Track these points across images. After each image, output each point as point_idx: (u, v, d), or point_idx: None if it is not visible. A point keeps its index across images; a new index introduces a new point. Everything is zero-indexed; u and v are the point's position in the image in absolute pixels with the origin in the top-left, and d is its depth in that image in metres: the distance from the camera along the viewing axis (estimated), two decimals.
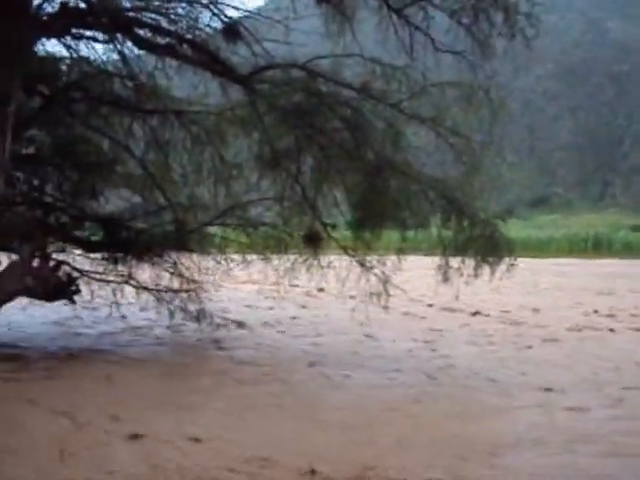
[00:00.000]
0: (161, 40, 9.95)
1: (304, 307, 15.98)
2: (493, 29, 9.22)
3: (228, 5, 10.54)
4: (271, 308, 15.15)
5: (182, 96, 12.10)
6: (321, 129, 9.41)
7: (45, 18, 9.64)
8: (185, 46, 9.96)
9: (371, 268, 9.74)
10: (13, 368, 8.54)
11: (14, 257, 10.31)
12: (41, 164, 11.20)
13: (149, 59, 11.54)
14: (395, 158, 9.36)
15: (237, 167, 11.89)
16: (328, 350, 10.66)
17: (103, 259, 11.08)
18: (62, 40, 10.33)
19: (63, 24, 9.57)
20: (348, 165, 9.42)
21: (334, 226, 10.15)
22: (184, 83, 12.10)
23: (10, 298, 9.27)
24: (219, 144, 11.80)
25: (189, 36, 9.96)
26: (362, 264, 9.80)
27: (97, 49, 11.18)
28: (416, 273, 16.89)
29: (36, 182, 11.23)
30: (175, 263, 10.99)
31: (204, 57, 9.93)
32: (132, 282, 10.63)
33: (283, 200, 10.21)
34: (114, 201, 12.08)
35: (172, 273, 10.76)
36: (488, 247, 9.75)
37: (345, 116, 9.37)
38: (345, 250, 9.98)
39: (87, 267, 11.01)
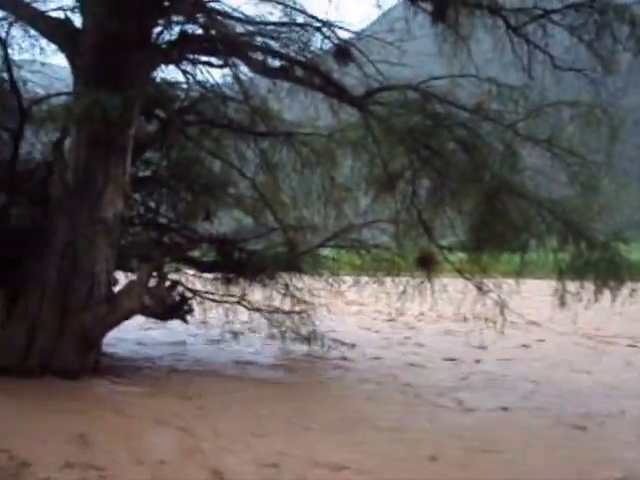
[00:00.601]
0: (274, 63, 10.03)
1: (414, 329, 15.71)
2: (617, 44, 8.91)
3: (340, 27, 10.58)
4: (381, 330, 14.98)
5: (292, 118, 12.26)
6: (437, 151, 9.28)
7: (164, 46, 9.87)
8: (298, 68, 9.98)
9: (487, 292, 9.54)
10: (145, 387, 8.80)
11: (131, 276, 10.61)
12: (156, 186, 11.47)
13: (261, 82, 11.76)
14: (512, 180, 9.14)
15: (347, 189, 11.94)
16: (441, 374, 10.45)
17: (215, 279, 11.28)
18: (179, 66, 10.59)
19: (181, 51, 9.80)
20: (465, 187, 9.27)
21: (450, 249, 9.99)
22: (294, 106, 12.24)
23: (128, 316, 9.47)
24: (329, 166, 11.87)
25: (302, 58, 9.98)
26: (479, 287, 9.61)
27: (211, 73, 11.54)
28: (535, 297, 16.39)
29: (152, 204, 11.52)
30: (287, 284, 11.05)
31: (317, 79, 9.94)
32: (244, 303, 10.74)
33: (398, 222, 10.08)
34: (226, 222, 12.27)
35: (284, 294, 10.81)
36: (608, 271, 9.36)
37: (461, 137, 9.21)
38: (461, 273, 9.81)
39: (199, 287, 11.26)
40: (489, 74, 9.59)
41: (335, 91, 9.83)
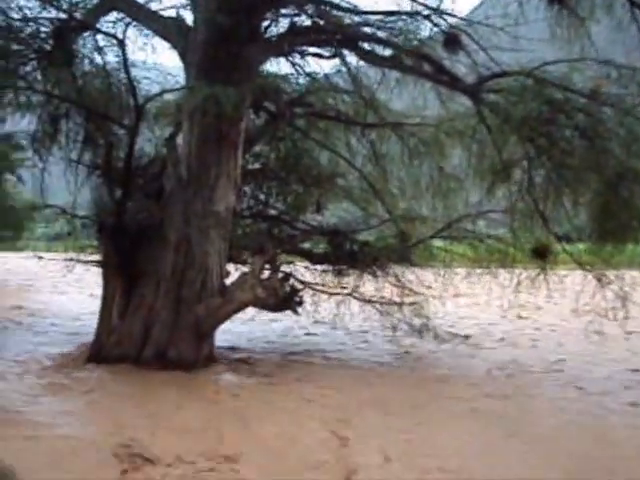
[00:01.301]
0: (385, 52, 9.89)
1: (531, 322, 15.21)
2: None
3: (449, 14, 10.33)
4: (496, 323, 14.61)
5: (400, 109, 12.10)
6: (554, 138, 8.94)
7: (274, 39, 9.89)
8: (408, 57, 9.80)
9: (608, 283, 9.14)
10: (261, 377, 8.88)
11: (242, 269, 10.72)
12: (266, 178, 11.54)
13: (368, 74, 11.64)
14: (637, 166, 8.69)
15: (456, 179, 11.72)
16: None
17: (325, 271, 11.28)
18: (288, 58, 10.60)
19: (290, 43, 9.79)
20: (585, 175, 8.89)
21: (569, 239, 9.62)
22: (402, 96, 12.08)
23: (241, 308, 9.57)
24: (438, 156, 11.67)
25: (413, 47, 9.80)
26: (599, 279, 9.23)
27: (320, 65, 11.52)
28: None
29: (262, 196, 11.60)
30: (397, 276, 10.93)
31: (428, 67, 9.75)
32: (356, 295, 10.69)
33: (513, 212, 9.79)
34: (335, 214, 12.24)
35: (396, 286, 10.69)
36: None
37: (580, 124, 8.84)
38: (580, 264, 9.45)
39: (309, 279, 11.27)
40: (608, 57, 9.11)
41: (447, 79, 9.62)
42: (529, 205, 9.58)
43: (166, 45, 10.36)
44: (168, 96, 11.64)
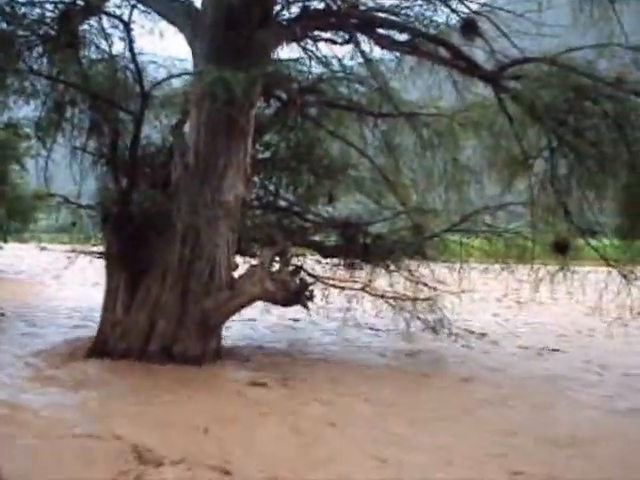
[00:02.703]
0: (402, 38, 9.51)
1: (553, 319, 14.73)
2: None
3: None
4: (514, 318, 14.13)
5: (413, 99, 11.74)
6: (580, 128, 8.55)
7: (285, 23, 9.52)
8: (425, 42, 9.42)
9: (635, 280, 8.75)
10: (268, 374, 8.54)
11: (250, 261, 10.39)
12: (276, 168, 11.18)
13: (382, 61, 11.27)
14: None
15: (470, 171, 11.38)
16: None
17: (336, 265, 10.93)
18: (300, 44, 10.23)
19: (303, 27, 9.42)
20: (612, 166, 8.49)
21: (594, 233, 9.20)
22: (414, 86, 11.72)
23: (250, 302, 9.23)
24: (452, 147, 11.31)
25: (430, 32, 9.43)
26: (624, 276, 8.84)
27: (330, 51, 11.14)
28: None
29: (271, 186, 11.25)
30: (410, 270, 10.57)
31: (446, 53, 9.36)
32: (368, 289, 10.33)
33: (533, 205, 9.39)
34: (346, 206, 11.88)
35: (410, 280, 10.33)
36: None
37: (609, 112, 8.42)
38: (606, 260, 9.05)
39: (319, 272, 10.93)
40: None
41: (465, 65, 9.22)
42: (551, 198, 9.17)
43: (172, 30, 10.06)
44: (175, 83, 11.35)
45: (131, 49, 9.14)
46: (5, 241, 21.99)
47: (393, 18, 9.61)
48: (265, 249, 9.02)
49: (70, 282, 17.66)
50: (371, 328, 11.83)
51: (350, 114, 11.79)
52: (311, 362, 9.47)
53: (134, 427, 6.13)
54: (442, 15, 10.13)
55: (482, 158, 11.12)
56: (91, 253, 10.27)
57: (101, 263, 9.71)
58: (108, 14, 9.61)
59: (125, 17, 9.52)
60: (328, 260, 11.05)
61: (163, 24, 10.37)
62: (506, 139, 10.02)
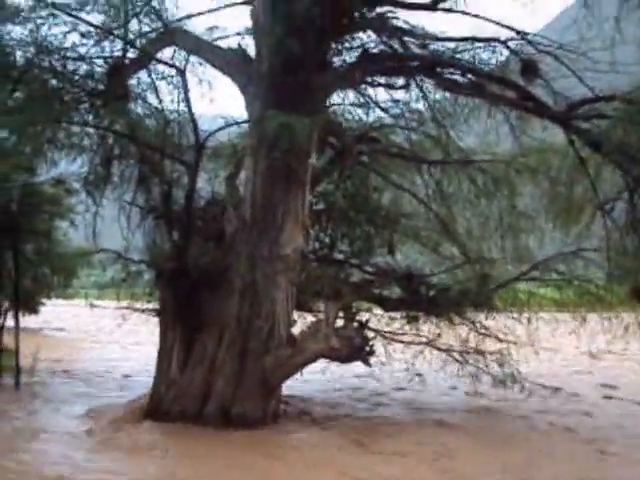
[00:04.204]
0: (465, 80, 9.14)
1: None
2: None
3: (528, 41, 9.57)
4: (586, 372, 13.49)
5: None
6: None
7: (344, 69, 9.21)
8: (491, 84, 9.03)
9: None
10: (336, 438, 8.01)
11: (307, 316, 9.97)
12: (332, 219, 10.79)
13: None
14: None
15: (528, 217, 10.96)
16: None
17: (393, 318, 10.46)
18: (358, 89, 9.93)
19: (363, 71, 9.09)
20: None
21: None
22: (470, 133, 11.42)
23: (313, 360, 8.74)
24: (509, 194, 10.91)
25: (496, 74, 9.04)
26: None
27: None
28: None
29: (327, 238, 10.84)
30: (474, 322, 10.04)
31: (513, 94, 8.95)
32: (434, 344, 9.81)
33: (610, 250, 8.86)
34: (404, 256, 11.42)
35: (479, 333, 9.79)
36: None
37: None
38: None
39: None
40: None
41: (533, 106, 8.79)
42: (627, 242, 8.64)
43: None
44: (224, 136, 11.12)
45: (186, 98, 8.91)
46: (49, 298, 21.89)
47: (456, 59, 9.24)
48: (329, 303, 8.54)
49: (121, 340, 17.35)
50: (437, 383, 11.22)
51: (402, 162, 11.45)
52: (379, 421, 8.95)
53: None
54: (502, 56, 9.84)
55: (543, 203, 10.72)
56: (143, 310, 9.91)
57: (154, 321, 9.36)
58: (165, 62, 9.37)
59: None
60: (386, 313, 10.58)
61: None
62: (573, 183, 9.63)
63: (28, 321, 18.36)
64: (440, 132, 11.00)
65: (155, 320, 9.42)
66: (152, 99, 10.44)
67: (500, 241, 11.11)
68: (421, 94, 9.52)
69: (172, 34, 9.48)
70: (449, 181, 11.50)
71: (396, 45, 9.02)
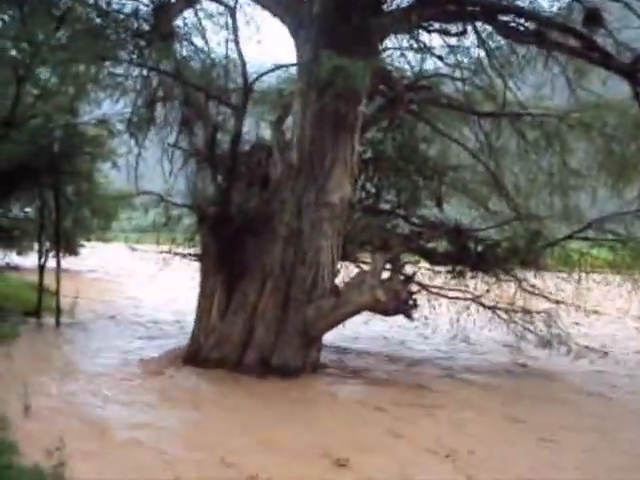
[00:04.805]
0: (527, 27, 8.68)
1: None
2: None
3: None
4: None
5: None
6: None
7: (399, 11, 8.82)
8: (554, 32, 8.57)
9: None
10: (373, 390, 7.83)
11: (351, 267, 9.75)
12: (379, 168, 10.48)
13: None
14: None
15: (580, 175, 10.55)
16: None
17: (438, 272, 10.21)
18: (413, 35, 9.53)
19: (420, 16, 8.69)
20: None
21: None
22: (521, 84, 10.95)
23: (356, 312, 8.53)
24: (561, 150, 10.50)
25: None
26: None
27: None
28: None
29: (373, 188, 10.55)
30: (521, 281, 9.74)
31: (576, 44, 8.50)
32: (479, 300, 9.54)
33: None
34: (452, 209, 11.10)
35: (527, 292, 9.50)
36: None
37: None
38: None
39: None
40: None
41: (599, 57, 8.33)
42: None
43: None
44: (270, 80, 10.82)
45: (236, 38, 8.61)
46: (89, 240, 21.94)
47: (517, 5, 8.79)
48: (377, 255, 8.30)
49: (162, 285, 17.28)
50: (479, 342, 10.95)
51: (451, 113, 11.06)
52: (418, 377, 8.74)
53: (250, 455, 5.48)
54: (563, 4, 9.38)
55: (596, 161, 10.31)
56: (185, 255, 9.76)
57: (195, 266, 9.21)
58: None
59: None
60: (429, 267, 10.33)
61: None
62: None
63: (69, 262, 18.41)
64: (492, 82, 10.59)
65: (196, 265, 9.28)
66: (198, 40, 10.21)
67: (549, 198, 10.73)
68: (479, 41, 9.02)
69: None
70: (499, 134, 11.08)
71: None
